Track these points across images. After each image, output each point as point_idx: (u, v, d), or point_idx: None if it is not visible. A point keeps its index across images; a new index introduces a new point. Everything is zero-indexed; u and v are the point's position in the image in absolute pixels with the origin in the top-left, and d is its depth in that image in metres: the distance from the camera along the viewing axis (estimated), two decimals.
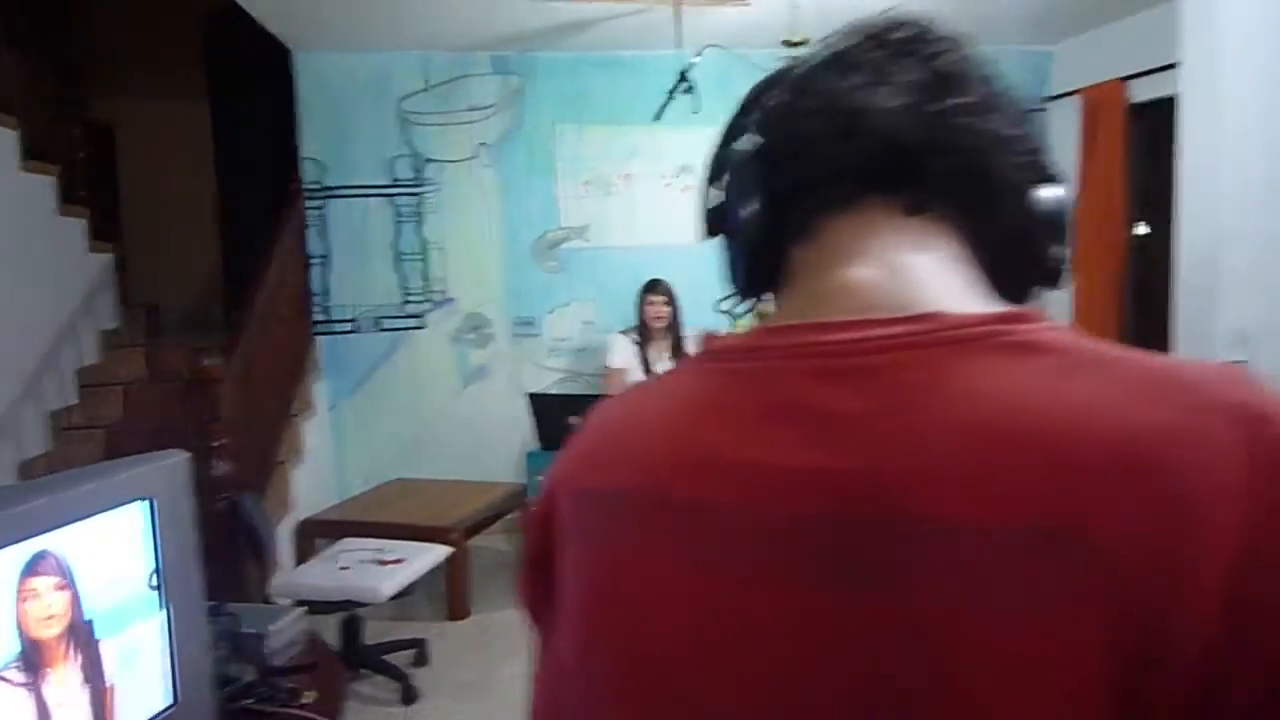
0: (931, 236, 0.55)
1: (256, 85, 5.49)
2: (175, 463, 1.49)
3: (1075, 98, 5.10)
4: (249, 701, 1.67)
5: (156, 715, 1.41)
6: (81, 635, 1.26)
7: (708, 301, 3.73)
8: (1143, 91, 4.60)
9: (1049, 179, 0.61)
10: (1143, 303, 4.77)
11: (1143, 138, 4.71)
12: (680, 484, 0.50)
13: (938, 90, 0.57)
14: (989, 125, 0.57)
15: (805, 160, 0.57)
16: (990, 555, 0.40)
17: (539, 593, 0.60)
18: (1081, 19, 4.95)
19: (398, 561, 3.53)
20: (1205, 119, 2.16)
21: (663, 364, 4.74)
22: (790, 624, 0.44)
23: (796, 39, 3.68)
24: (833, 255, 0.55)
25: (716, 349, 0.55)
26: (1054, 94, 5.45)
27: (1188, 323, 2.27)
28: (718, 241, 0.67)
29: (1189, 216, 2.24)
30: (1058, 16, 4.92)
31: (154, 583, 1.39)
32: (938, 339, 0.46)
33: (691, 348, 4.79)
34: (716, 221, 0.65)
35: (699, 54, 4.04)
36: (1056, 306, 3.92)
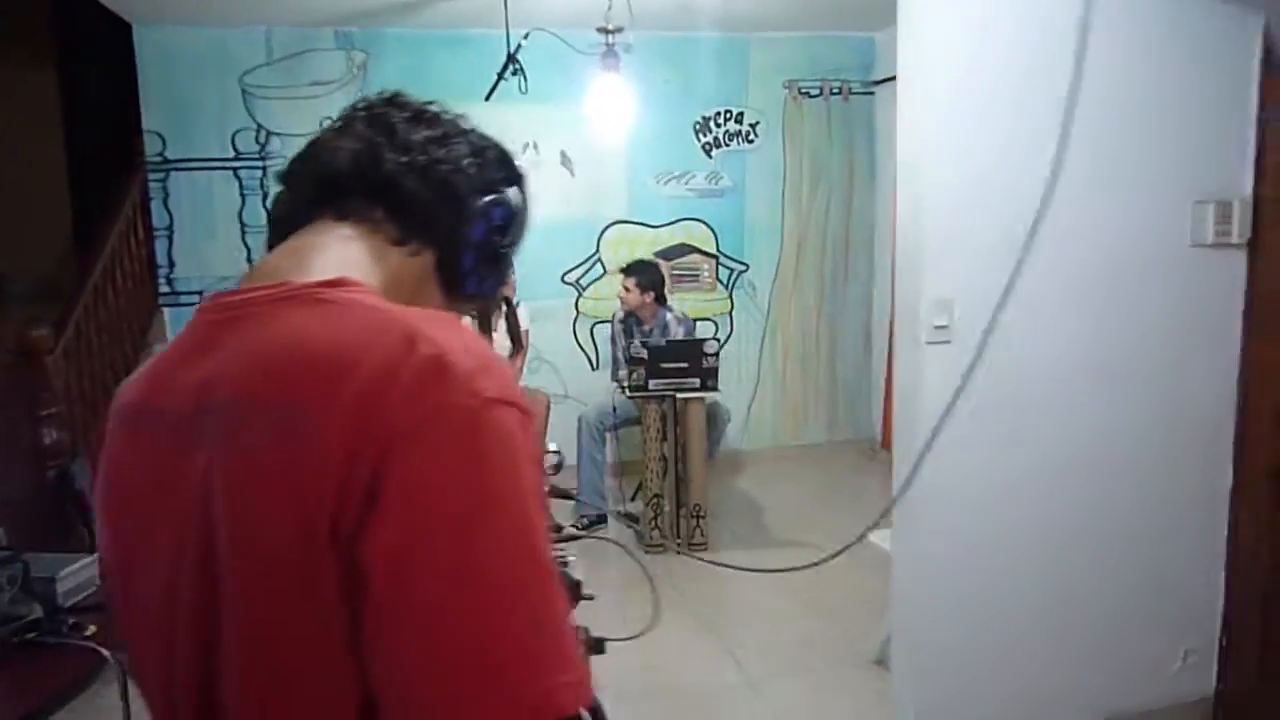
0: (348, 235, 0.81)
1: (103, 55, 5.45)
2: None
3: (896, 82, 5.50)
4: (32, 635, 1.87)
5: None
6: None
7: (545, 273, 4.15)
8: None
9: (492, 190, 0.89)
10: None
11: None
12: (153, 397, 0.76)
13: (396, 136, 0.84)
14: (423, 158, 0.84)
15: (290, 193, 0.85)
16: (257, 419, 0.66)
17: None
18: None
19: None
20: (914, 120, 2.52)
21: (498, 328, 4.97)
22: (166, 474, 0.71)
23: (611, 27, 3.94)
24: (277, 250, 0.81)
25: (200, 305, 0.80)
26: (878, 79, 5.86)
27: (901, 292, 2.64)
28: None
29: (903, 207, 2.60)
30: (880, 4, 5.29)
31: None
32: (276, 296, 0.73)
33: (524, 316, 5.04)
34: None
35: (526, 36, 4.26)
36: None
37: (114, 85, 5.27)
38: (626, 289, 4.82)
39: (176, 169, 5.11)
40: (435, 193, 0.84)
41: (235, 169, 5.18)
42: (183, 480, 0.69)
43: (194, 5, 4.74)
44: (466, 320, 3.92)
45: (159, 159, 5.09)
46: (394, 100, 0.89)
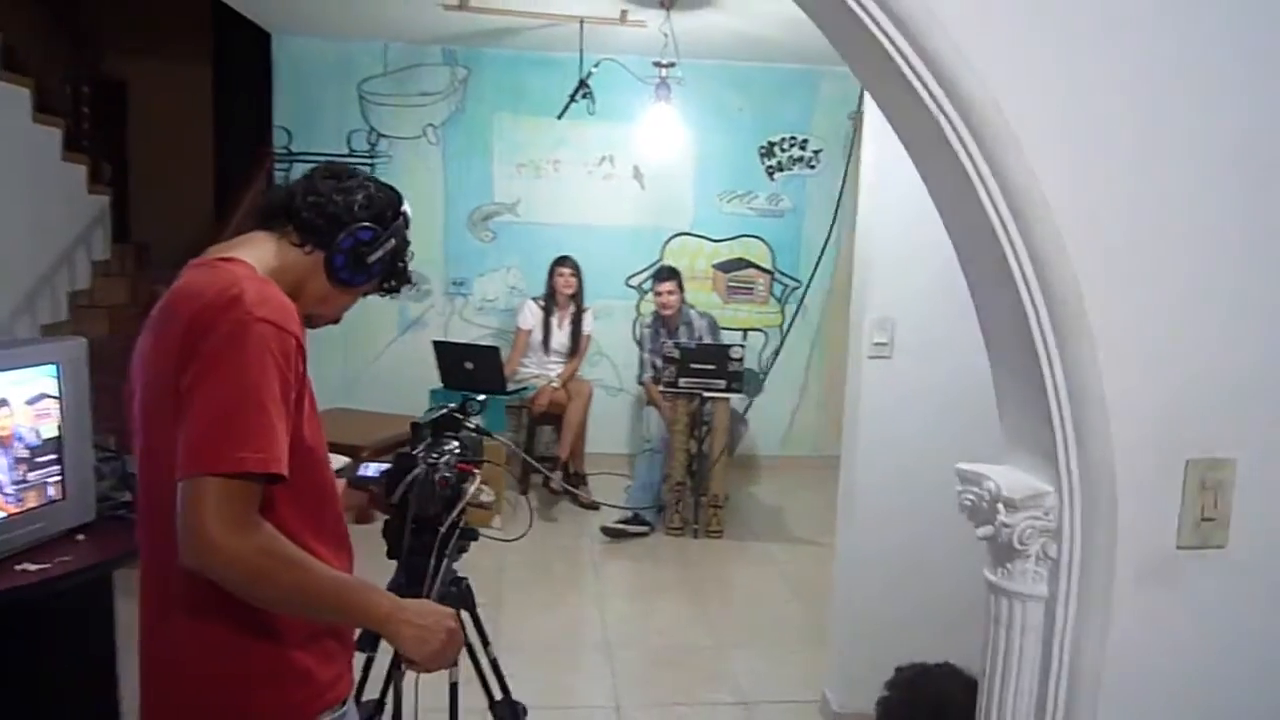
0: (269, 239, 1.35)
1: (247, 59, 6.29)
2: (77, 344, 2.32)
3: None
4: (122, 512, 2.50)
5: (52, 500, 2.25)
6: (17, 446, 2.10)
7: (611, 276, 4.90)
8: None
9: (370, 220, 1.40)
10: None
11: None
12: (154, 308, 1.30)
13: (312, 185, 1.37)
14: (321, 198, 1.37)
15: (255, 215, 1.39)
16: (161, 317, 1.23)
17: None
18: None
19: None
20: (874, 147, 2.92)
21: (564, 328, 5.54)
22: (144, 343, 1.27)
23: (665, 61, 4.43)
24: (224, 241, 1.36)
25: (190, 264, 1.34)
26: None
27: (856, 309, 3.04)
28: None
29: (860, 229, 3.01)
30: None
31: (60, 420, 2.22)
32: (199, 262, 1.28)
33: (588, 319, 5.58)
34: None
35: (597, 65, 4.81)
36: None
37: (253, 85, 6.09)
38: (669, 292, 5.23)
39: (299, 160, 5.87)
40: (321, 217, 1.37)
41: (348, 163, 5.85)
42: (143, 348, 1.28)
43: (325, 20, 5.48)
44: (528, 306, 4.50)
45: (284, 151, 5.87)
46: (327, 166, 1.42)
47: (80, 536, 2.32)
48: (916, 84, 1.15)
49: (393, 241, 1.43)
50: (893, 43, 1.13)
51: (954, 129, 1.15)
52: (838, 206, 6.24)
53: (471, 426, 1.82)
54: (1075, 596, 1.25)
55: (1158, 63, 1.18)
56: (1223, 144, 1.20)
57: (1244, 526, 1.28)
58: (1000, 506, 1.26)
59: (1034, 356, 1.21)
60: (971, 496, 1.33)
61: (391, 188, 1.47)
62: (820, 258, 5.71)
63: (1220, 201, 1.21)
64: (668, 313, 5.28)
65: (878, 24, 1.13)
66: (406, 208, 1.47)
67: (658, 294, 5.29)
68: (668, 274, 5.30)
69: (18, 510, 2.15)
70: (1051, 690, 1.28)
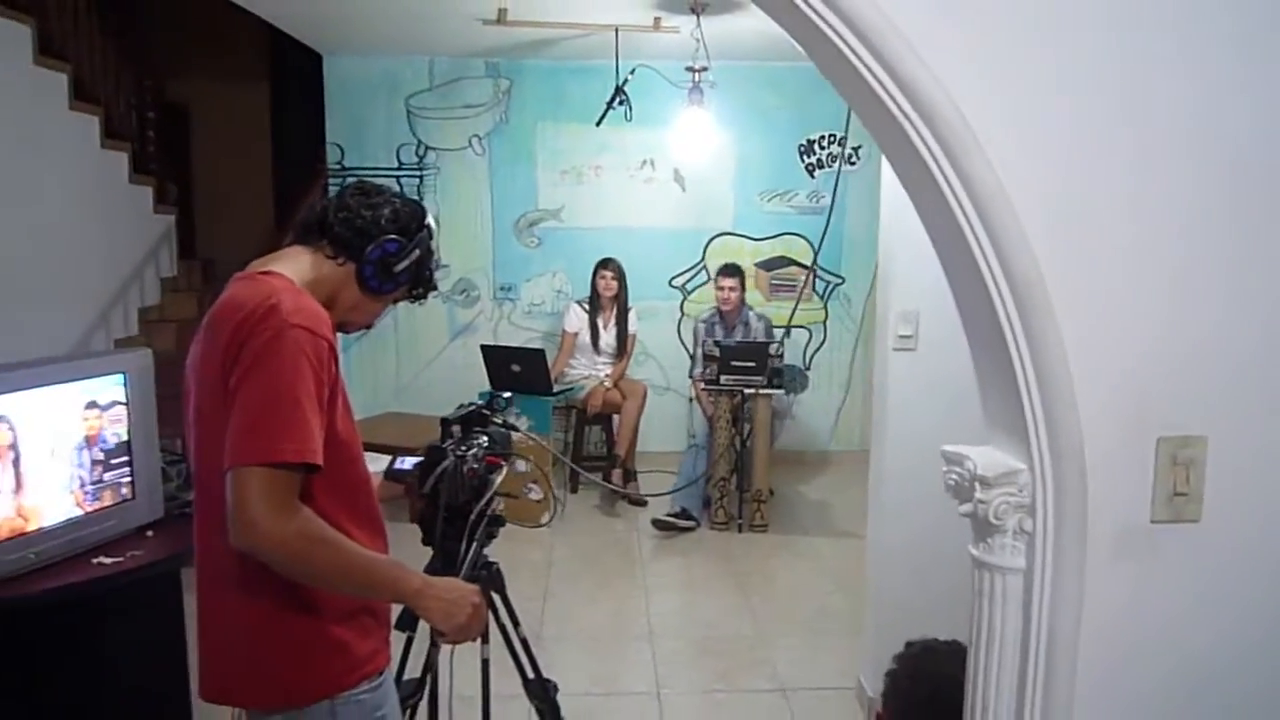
0: (305, 253, 1.49)
1: (300, 80, 6.55)
2: (143, 354, 2.51)
3: None
4: (187, 510, 2.68)
5: (123, 500, 2.44)
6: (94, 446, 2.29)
7: (655, 277, 5.08)
8: None
9: (397, 233, 1.53)
10: None
11: None
12: (204, 318, 1.45)
13: (343, 201, 1.51)
14: (350, 213, 1.50)
15: (295, 230, 1.54)
16: (210, 329, 1.37)
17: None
18: None
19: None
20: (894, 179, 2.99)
21: (609, 329, 5.67)
22: (196, 352, 1.42)
23: (697, 66, 4.53)
24: (264, 257, 1.50)
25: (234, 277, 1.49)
26: None
27: (881, 303, 3.11)
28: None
29: (884, 223, 3.07)
30: None
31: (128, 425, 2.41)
32: (241, 276, 1.42)
33: (633, 319, 5.70)
34: None
35: (632, 72, 4.93)
36: None
37: (307, 105, 6.34)
38: (730, 288, 5.31)
39: (351, 175, 6.10)
40: (351, 231, 1.50)
41: (398, 176, 6.11)
42: (195, 355, 1.42)
43: (372, 39, 5.70)
44: (573, 309, 4.64)
45: (338, 167, 6.11)
46: (358, 184, 1.56)
47: (150, 533, 2.51)
48: (873, 81, 1.24)
49: (418, 252, 1.56)
50: (844, 41, 1.23)
51: (914, 129, 1.24)
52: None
53: (499, 422, 1.95)
54: (1051, 568, 1.32)
55: (1097, 50, 1.25)
56: (1173, 123, 1.26)
57: (1217, 501, 1.34)
58: (977, 485, 1.34)
59: (1002, 340, 1.29)
60: (955, 476, 1.42)
61: (417, 202, 1.61)
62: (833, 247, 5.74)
63: (1179, 183, 1.27)
64: (727, 308, 5.35)
65: (826, 21, 1.22)
66: (430, 220, 1.60)
67: (720, 288, 5.36)
68: (732, 270, 5.39)
69: (95, 508, 2.35)
70: (1032, 658, 1.35)
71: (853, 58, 1.25)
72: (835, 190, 5.27)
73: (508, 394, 2.10)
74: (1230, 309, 1.31)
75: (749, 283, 6.04)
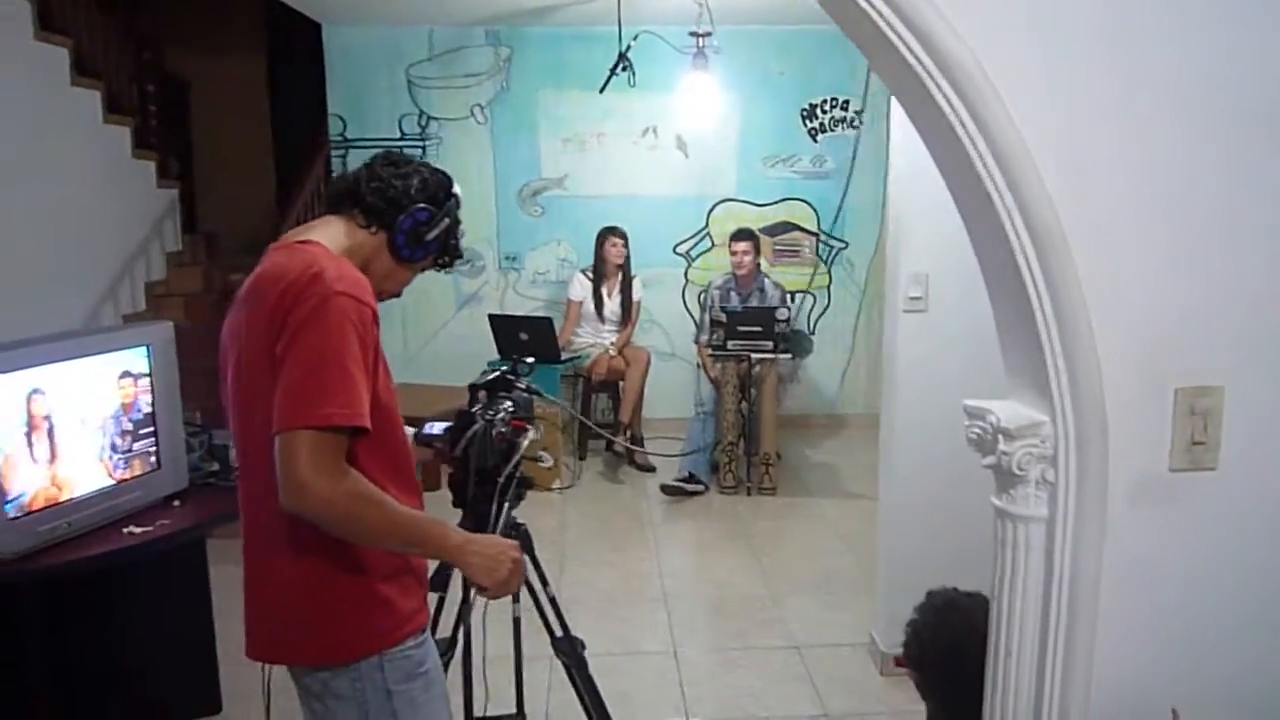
0: (339, 222, 1.52)
1: (299, 51, 6.51)
2: (165, 327, 2.54)
3: None
4: (210, 480, 2.73)
5: (151, 469, 2.48)
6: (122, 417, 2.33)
7: (659, 244, 5.10)
8: None
9: (420, 207, 1.55)
10: None
11: None
12: (240, 289, 1.48)
13: (374, 172, 1.54)
14: (382, 183, 1.53)
15: (326, 200, 1.56)
16: (252, 297, 1.40)
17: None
18: None
19: None
20: (901, 128, 3.00)
21: (614, 297, 5.69)
22: (233, 322, 1.46)
23: (701, 31, 4.52)
24: (300, 226, 1.53)
25: (271, 247, 1.52)
26: None
27: (891, 265, 3.13)
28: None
29: (893, 187, 3.09)
30: None
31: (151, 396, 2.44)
32: (279, 245, 1.45)
33: (637, 286, 5.72)
34: None
35: (635, 38, 4.91)
36: None
37: (307, 76, 6.31)
38: (744, 251, 5.28)
39: (354, 146, 6.09)
40: (383, 201, 1.53)
41: (400, 147, 6.08)
42: (235, 324, 1.45)
43: (372, 9, 5.66)
44: (578, 278, 4.70)
45: (340, 138, 6.09)
46: (386, 155, 1.58)
47: (176, 503, 2.55)
48: (893, 37, 1.26)
49: (446, 220, 1.59)
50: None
51: (936, 84, 1.27)
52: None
53: (523, 387, 1.98)
54: (1073, 516, 1.37)
55: (1111, 6, 1.27)
56: (1201, 75, 1.28)
57: (1234, 449, 1.38)
58: (1000, 437, 1.38)
59: (1024, 293, 1.32)
60: (977, 430, 1.45)
61: (443, 172, 1.63)
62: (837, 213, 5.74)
63: (1201, 133, 1.30)
64: (742, 272, 5.33)
65: None
66: (457, 189, 1.63)
67: (734, 252, 5.33)
68: (745, 234, 5.36)
69: (124, 477, 2.39)
70: (1054, 605, 1.40)
71: (874, 14, 1.27)
72: (854, 154, 5.24)
73: (530, 359, 2.13)
74: (1248, 262, 1.34)
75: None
